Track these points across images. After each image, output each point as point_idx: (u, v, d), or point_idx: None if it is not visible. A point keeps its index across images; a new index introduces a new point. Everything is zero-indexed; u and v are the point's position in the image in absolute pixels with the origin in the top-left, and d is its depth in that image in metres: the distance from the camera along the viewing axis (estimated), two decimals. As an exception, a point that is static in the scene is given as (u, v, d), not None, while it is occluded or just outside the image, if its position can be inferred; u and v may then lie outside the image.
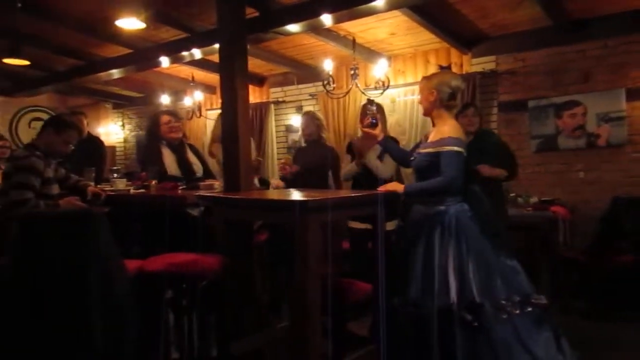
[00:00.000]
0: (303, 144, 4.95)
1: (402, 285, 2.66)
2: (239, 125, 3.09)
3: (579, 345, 2.68)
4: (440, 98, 2.78)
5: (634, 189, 4.82)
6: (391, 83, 5.92)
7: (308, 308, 2.08)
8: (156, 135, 3.93)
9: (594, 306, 4.15)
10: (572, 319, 4.00)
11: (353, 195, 2.62)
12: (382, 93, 5.81)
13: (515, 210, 4.46)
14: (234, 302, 2.76)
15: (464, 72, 5.61)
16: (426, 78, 2.93)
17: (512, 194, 5.01)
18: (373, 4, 3.83)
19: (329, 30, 4.97)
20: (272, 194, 2.99)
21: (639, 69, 4.84)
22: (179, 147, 3.95)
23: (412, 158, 2.92)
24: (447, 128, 2.75)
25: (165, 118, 3.94)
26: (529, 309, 2.58)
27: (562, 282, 4.39)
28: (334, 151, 4.77)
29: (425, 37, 5.23)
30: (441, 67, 3.12)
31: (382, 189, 2.70)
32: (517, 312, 2.54)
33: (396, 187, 2.72)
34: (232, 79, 3.11)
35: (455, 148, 2.67)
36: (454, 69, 5.72)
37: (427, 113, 2.90)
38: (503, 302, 2.54)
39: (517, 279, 2.64)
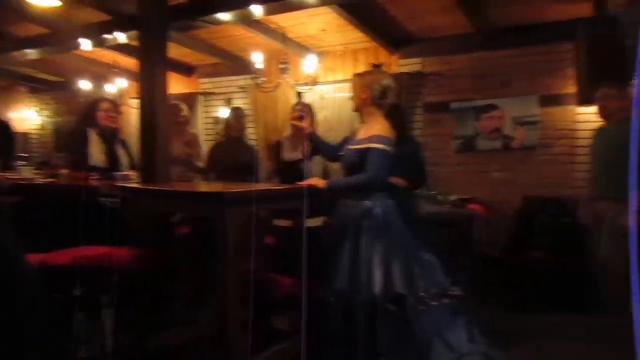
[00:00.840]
0: (222, 140, 4.83)
1: (329, 279, 2.70)
2: (157, 115, 2.97)
3: (496, 335, 2.83)
4: (372, 96, 2.84)
5: (543, 189, 5.14)
6: (321, 79, 5.99)
7: (226, 302, 2.04)
8: (90, 120, 3.76)
9: (510, 299, 4.38)
10: (491, 312, 4.21)
11: (274, 188, 2.60)
12: (311, 89, 5.85)
13: (435, 208, 4.62)
14: (152, 297, 2.66)
15: (391, 72, 5.74)
16: (359, 75, 2.97)
17: (432, 192, 5.20)
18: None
19: (259, 22, 4.91)
20: (192, 186, 2.91)
21: (552, 77, 5.17)
22: (110, 138, 3.80)
23: (341, 154, 2.95)
24: (378, 126, 2.81)
25: (105, 104, 3.83)
26: (446, 301, 2.70)
27: (480, 277, 4.60)
28: (254, 150, 4.74)
29: (355, 36, 5.30)
30: (374, 66, 3.17)
31: (303, 183, 2.71)
32: (435, 303, 2.66)
33: (317, 181, 2.75)
34: (151, 67, 3.00)
35: (383, 146, 2.74)
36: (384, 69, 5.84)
37: (357, 109, 2.95)
38: (422, 294, 2.65)
39: (435, 272, 2.75)
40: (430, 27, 5.18)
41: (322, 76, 6.03)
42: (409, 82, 5.65)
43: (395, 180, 3.67)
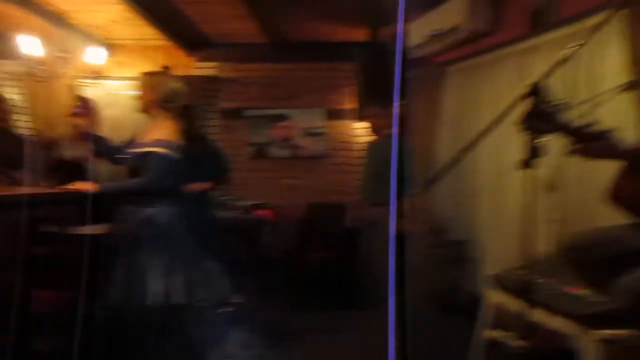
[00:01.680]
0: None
1: (102, 292, 2.51)
2: None
3: (278, 335, 2.95)
4: (159, 98, 2.73)
5: (328, 195, 5.56)
6: (110, 74, 5.57)
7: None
8: None
9: (294, 299, 4.61)
10: (276, 312, 4.38)
11: (27, 192, 2.31)
12: (97, 83, 5.39)
13: (226, 213, 4.65)
14: None
15: (186, 75, 5.62)
16: (148, 75, 2.85)
17: (225, 197, 5.23)
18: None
19: (35, 2, 4.36)
20: None
21: (336, 92, 5.64)
22: None
23: (123, 156, 2.77)
24: (163, 130, 2.70)
25: None
26: (225, 309, 2.73)
27: (267, 280, 4.76)
28: (24, 142, 4.17)
29: (148, 32, 5.04)
30: (164, 67, 3.06)
31: (70, 186, 2.47)
32: (215, 312, 2.66)
33: (86, 185, 2.53)
34: None
35: (165, 151, 2.64)
36: (178, 70, 5.68)
37: (144, 110, 2.81)
38: (203, 303, 2.63)
39: (217, 280, 2.76)
40: (226, 33, 5.21)
41: (111, 71, 5.62)
42: (205, 86, 5.60)
43: (196, 185, 3.59)
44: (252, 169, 5.73)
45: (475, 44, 3.89)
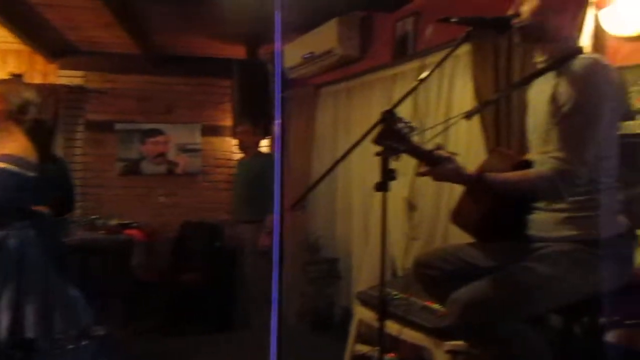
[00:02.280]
0: None
1: None
2: None
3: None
4: (8, 109, 2.49)
5: (203, 213, 5.42)
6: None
7: None
8: None
9: (164, 325, 4.39)
10: (148, 339, 4.15)
11: None
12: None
13: (88, 234, 4.34)
14: None
15: (47, 83, 5.19)
16: None
17: (92, 217, 4.89)
18: None
19: None
20: None
21: (213, 109, 5.56)
22: None
23: None
24: (12, 144, 2.45)
25: None
26: (86, 342, 2.51)
27: (137, 304, 4.49)
28: None
29: (2, 34, 4.58)
30: (13, 75, 2.76)
31: None
32: (73, 346, 2.44)
33: None
34: None
35: (14, 167, 2.39)
36: (38, 78, 5.24)
37: None
38: (60, 336, 2.39)
39: (77, 310, 2.54)
40: (94, 40, 4.90)
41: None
42: (69, 96, 5.21)
43: (39, 207, 3.28)
44: (122, 186, 5.41)
45: (347, 68, 4.06)
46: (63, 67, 5.27)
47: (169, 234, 5.30)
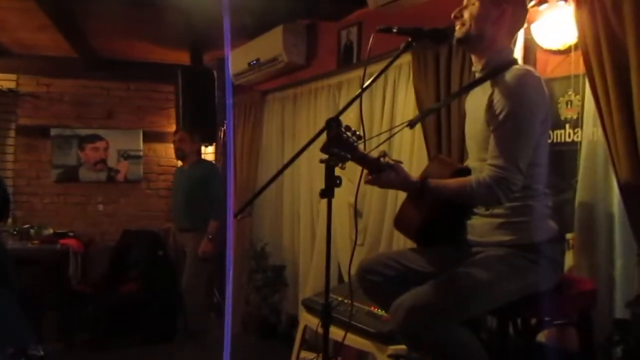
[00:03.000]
0: None
1: None
2: None
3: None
4: None
5: (145, 221, 5.27)
6: None
7: None
8: None
9: (101, 337, 4.20)
10: (80, 354, 3.96)
11: None
12: None
13: (20, 244, 4.12)
14: None
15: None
16: None
17: (25, 226, 4.64)
18: None
19: None
20: None
21: (154, 114, 5.43)
22: None
23: None
24: None
25: None
26: None
27: (71, 317, 4.29)
28: None
29: None
30: None
31: None
32: None
33: None
34: None
35: None
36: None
37: None
38: None
39: (12, 326, 2.40)
40: (26, 43, 4.67)
41: None
42: (0, 101, 4.93)
43: None
44: (57, 194, 5.18)
45: (293, 75, 4.08)
46: (-7, 70, 5.00)
47: (108, 242, 5.11)
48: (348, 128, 1.59)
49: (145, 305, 4.19)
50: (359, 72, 3.30)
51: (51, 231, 4.69)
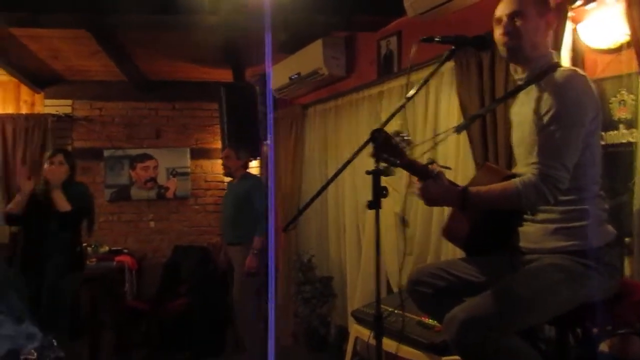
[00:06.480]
0: None
1: None
2: None
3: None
4: None
5: (194, 237, 5.40)
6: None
7: None
8: None
9: (157, 352, 4.32)
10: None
11: None
12: None
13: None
14: None
15: (35, 113, 5.20)
16: None
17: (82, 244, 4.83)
18: None
19: None
20: None
21: (200, 131, 5.57)
22: None
23: None
24: None
25: None
26: None
27: (127, 333, 4.42)
28: None
29: (-12, 67, 4.59)
30: None
31: None
32: None
33: None
34: None
35: None
36: (25, 108, 5.27)
37: None
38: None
39: (25, 333, 2.57)
40: (79, 69, 4.92)
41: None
42: (56, 125, 5.19)
43: None
44: (111, 212, 5.38)
45: (333, 87, 4.11)
46: (49, 97, 5.27)
47: (160, 259, 5.26)
48: (397, 133, 1.59)
49: (196, 319, 4.28)
50: (399, 82, 3.30)
51: (107, 249, 4.87)
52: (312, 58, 3.95)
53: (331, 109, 4.19)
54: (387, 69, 3.49)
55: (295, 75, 4.12)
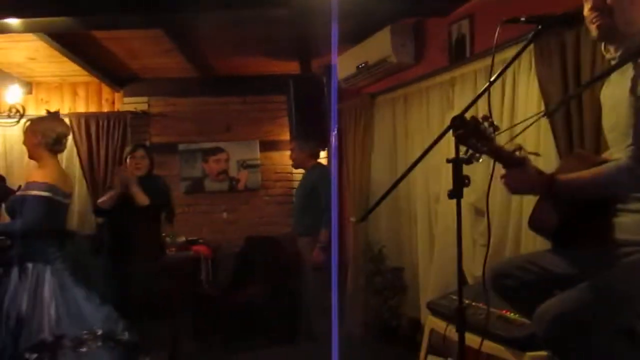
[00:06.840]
0: None
1: None
2: None
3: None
4: (45, 142, 2.84)
5: (264, 227, 5.51)
6: (33, 113, 5.30)
7: None
8: None
9: (232, 338, 4.47)
10: (212, 354, 4.24)
11: None
12: (18, 122, 5.15)
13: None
14: None
15: (115, 110, 5.49)
16: (32, 122, 3.01)
17: (162, 234, 5.07)
18: (5, 21, 3.37)
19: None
20: None
21: (270, 124, 5.66)
22: None
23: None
24: (42, 172, 2.81)
25: None
26: (111, 345, 2.72)
27: (204, 319, 4.60)
28: None
29: (72, 68, 4.87)
30: (49, 112, 3.11)
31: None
32: (98, 344, 2.65)
33: None
34: None
35: (39, 192, 2.72)
36: (106, 106, 5.57)
37: (31, 156, 2.92)
38: (85, 336, 2.64)
39: (101, 314, 2.76)
40: (153, 67, 5.12)
41: (34, 109, 5.39)
42: (134, 122, 5.45)
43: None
44: (186, 204, 5.59)
45: (402, 74, 4.03)
46: (128, 95, 5.54)
47: (233, 249, 5.41)
48: (486, 118, 1.52)
49: (269, 307, 4.38)
50: (472, 67, 3.18)
51: (184, 239, 5.07)
52: (380, 46, 3.89)
53: (400, 97, 4.11)
54: (459, 54, 3.37)
55: (363, 65, 4.08)
